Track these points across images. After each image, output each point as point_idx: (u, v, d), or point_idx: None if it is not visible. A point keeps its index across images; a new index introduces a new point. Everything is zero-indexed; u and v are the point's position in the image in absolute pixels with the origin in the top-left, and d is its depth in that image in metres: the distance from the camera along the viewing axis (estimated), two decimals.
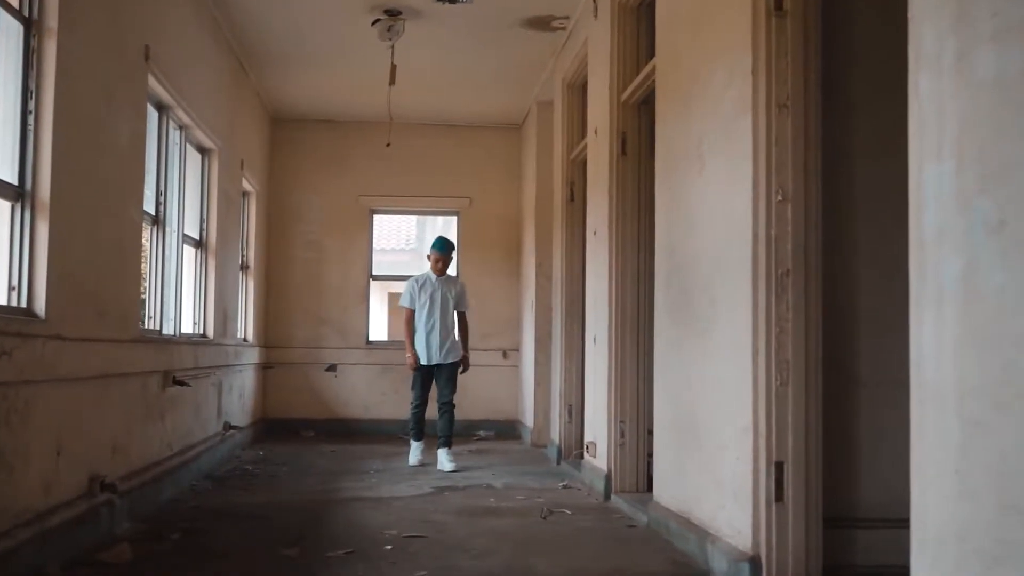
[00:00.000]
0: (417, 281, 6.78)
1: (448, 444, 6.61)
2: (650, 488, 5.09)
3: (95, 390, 3.97)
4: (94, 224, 4.01)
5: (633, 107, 5.28)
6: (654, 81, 4.69)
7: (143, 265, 5.09)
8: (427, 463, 6.64)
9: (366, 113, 8.87)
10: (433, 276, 6.76)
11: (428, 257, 6.85)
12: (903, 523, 3.45)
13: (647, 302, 5.21)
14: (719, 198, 3.51)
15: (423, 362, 6.65)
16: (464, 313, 6.85)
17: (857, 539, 3.30)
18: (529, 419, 8.39)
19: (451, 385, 6.69)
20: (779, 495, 3.06)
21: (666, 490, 4.17)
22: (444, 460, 6.48)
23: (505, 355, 9.35)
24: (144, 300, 5.17)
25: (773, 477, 3.06)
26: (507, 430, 9.19)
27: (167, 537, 4.08)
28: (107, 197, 4.19)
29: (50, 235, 3.45)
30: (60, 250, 3.54)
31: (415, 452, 6.76)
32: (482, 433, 8.99)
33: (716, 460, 3.47)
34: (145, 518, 4.51)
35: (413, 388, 6.82)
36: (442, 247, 6.77)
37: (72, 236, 3.70)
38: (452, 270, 7.28)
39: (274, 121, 9.30)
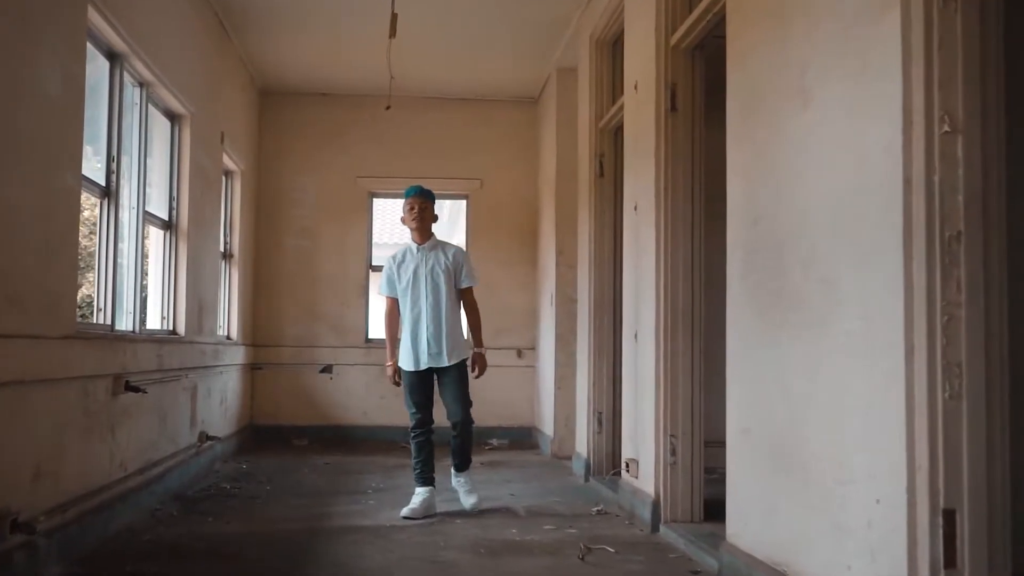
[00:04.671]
0: (395, 258, 4.89)
1: (464, 467, 4.89)
2: (708, 518, 4.18)
3: (4, 401, 3.05)
4: (1, 188, 3.08)
5: (685, 52, 4.33)
6: (717, 13, 3.76)
7: (90, 246, 4.17)
8: (433, 517, 4.60)
9: (364, 86, 7.92)
10: (414, 246, 4.86)
11: (402, 219, 4.92)
12: None
13: (705, 289, 4.28)
14: (838, 137, 2.56)
15: (410, 367, 4.80)
16: (470, 290, 4.91)
17: None
18: (548, 427, 7.44)
19: (461, 399, 4.77)
20: (950, 557, 2.11)
21: (747, 529, 3.22)
22: (463, 493, 4.85)
23: (520, 354, 8.38)
24: (88, 288, 4.24)
25: (940, 531, 2.11)
26: (522, 438, 8.23)
27: None
28: (21, 155, 3.24)
29: None
30: None
31: (419, 501, 4.66)
32: (495, 441, 8.03)
33: (836, 499, 2.52)
34: (84, 558, 3.62)
35: (407, 405, 4.86)
36: (418, 190, 4.89)
37: None
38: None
39: (263, 94, 8.34)
